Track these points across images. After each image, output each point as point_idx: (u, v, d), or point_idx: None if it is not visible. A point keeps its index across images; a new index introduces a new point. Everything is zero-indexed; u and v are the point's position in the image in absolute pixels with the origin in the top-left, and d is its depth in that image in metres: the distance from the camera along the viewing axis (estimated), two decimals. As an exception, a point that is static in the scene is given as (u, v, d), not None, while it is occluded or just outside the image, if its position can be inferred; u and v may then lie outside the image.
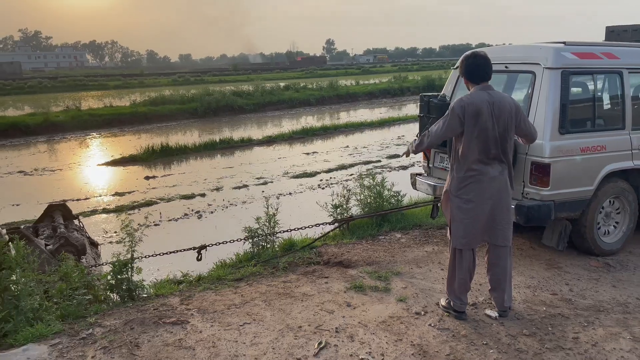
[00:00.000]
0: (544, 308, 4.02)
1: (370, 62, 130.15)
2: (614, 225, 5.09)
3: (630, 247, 5.22)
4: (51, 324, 3.74)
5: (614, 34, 8.70)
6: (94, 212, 9.47)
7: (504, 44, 5.82)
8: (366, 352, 3.40)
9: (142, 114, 23.38)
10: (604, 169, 4.69)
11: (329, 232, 5.95)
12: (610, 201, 4.97)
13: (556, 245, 4.93)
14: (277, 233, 5.56)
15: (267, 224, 5.64)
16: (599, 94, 4.98)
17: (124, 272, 4.53)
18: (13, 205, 10.04)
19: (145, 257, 4.88)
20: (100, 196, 10.60)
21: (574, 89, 4.76)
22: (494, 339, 3.56)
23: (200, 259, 5.05)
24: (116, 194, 10.72)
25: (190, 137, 18.67)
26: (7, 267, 3.98)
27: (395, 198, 6.38)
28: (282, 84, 35.15)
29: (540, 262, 4.94)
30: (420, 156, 6.31)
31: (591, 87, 4.90)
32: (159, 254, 5.14)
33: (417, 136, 4.52)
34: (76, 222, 6.61)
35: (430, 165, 5.64)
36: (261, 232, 5.55)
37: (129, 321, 3.87)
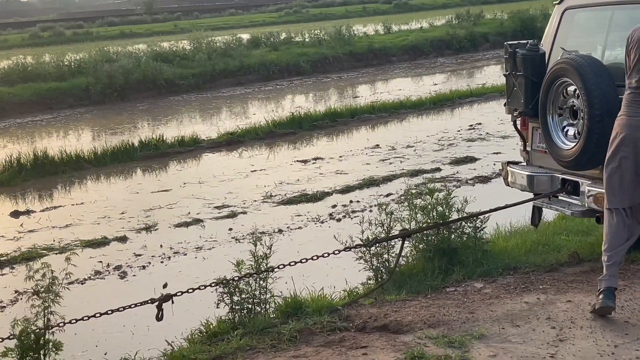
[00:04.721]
0: None
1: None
2: None
3: None
4: None
5: None
6: None
7: None
8: None
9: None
10: None
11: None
12: None
13: None
14: (274, 270, 3.68)
15: (254, 269, 3.76)
16: None
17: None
18: None
19: (66, 323, 2.96)
20: None
21: None
22: None
23: (161, 318, 3.23)
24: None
25: (81, 139, 12.27)
26: None
27: (471, 225, 4.24)
28: (244, 37, 21.80)
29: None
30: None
31: None
32: (105, 313, 3.14)
33: None
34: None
35: (528, 148, 4.29)
36: (246, 287, 3.68)
37: None
